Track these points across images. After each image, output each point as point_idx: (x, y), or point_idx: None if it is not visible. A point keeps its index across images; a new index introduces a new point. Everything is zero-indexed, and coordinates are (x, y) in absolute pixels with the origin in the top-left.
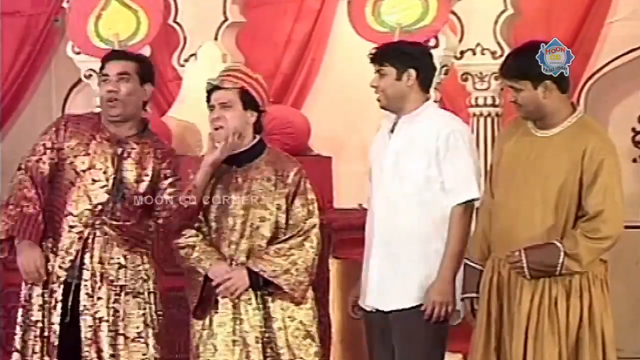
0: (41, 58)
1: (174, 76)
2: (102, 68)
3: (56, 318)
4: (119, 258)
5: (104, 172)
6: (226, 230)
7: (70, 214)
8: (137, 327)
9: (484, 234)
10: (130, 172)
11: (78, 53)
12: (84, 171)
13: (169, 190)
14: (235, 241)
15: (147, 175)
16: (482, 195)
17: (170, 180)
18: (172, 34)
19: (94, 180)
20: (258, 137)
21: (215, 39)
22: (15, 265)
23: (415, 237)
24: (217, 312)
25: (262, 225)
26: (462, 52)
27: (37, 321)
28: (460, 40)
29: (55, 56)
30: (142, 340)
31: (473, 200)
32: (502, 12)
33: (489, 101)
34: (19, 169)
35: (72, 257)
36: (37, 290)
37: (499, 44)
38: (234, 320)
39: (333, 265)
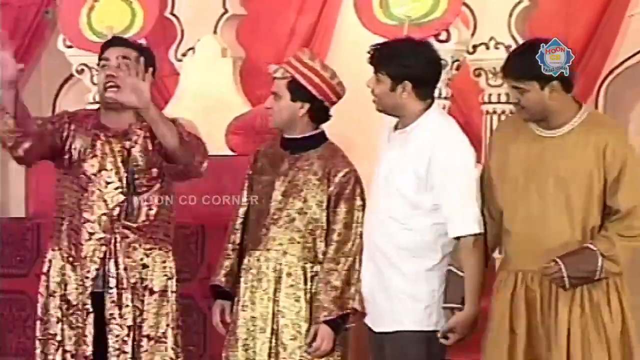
0: (30, 52)
1: (171, 71)
2: (101, 54)
3: (90, 329)
4: (142, 259)
5: (116, 173)
6: (263, 212)
7: (88, 220)
8: (161, 327)
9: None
10: (140, 162)
11: (70, 47)
12: (95, 175)
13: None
14: (267, 226)
15: (155, 157)
16: (484, 198)
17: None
18: (169, 27)
19: (107, 183)
20: (320, 129)
21: (215, 32)
22: (8, 271)
23: (403, 258)
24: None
25: (298, 218)
26: (474, 47)
27: (55, 334)
28: (473, 34)
29: (46, 50)
30: (165, 340)
31: (476, 234)
32: (518, 3)
33: (503, 98)
34: None
35: (97, 266)
36: (55, 301)
37: (513, 37)
38: (251, 307)
39: None
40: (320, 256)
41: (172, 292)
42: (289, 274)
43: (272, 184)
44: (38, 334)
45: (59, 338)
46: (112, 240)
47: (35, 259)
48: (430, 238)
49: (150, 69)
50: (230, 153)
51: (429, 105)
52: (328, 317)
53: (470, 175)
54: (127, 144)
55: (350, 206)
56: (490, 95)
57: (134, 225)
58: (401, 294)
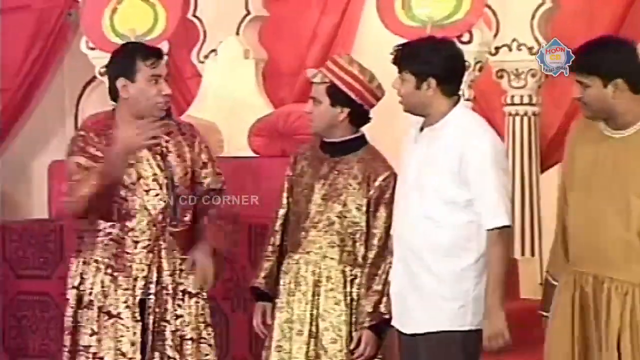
0: (53, 55)
1: (193, 73)
2: (140, 62)
3: (138, 338)
4: (180, 263)
5: (154, 180)
6: (302, 215)
7: (132, 229)
8: (199, 329)
9: (564, 246)
10: (178, 169)
11: (92, 49)
12: (133, 183)
13: (210, 178)
14: (307, 229)
15: (189, 167)
16: (558, 205)
17: (209, 168)
18: (192, 29)
19: (146, 191)
20: (360, 132)
21: (237, 33)
22: (32, 273)
23: (437, 258)
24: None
25: (337, 222)
26: (497, 48)
27: (88, 346)
28: (496, 35)
29: (69, 52)
30: (204, 341)
31: (504, 227)
32: (540, 5)
33: (526, 100)
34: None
35: (145, 274)
36: (91, 314)
37: (536, 39)
38: (288, 310)
39: None
40: (359, 260)
41: (204, 292)
42: (328, 278)
43: (312, 187)
44: (67, 345)
45: (93, 350)
46: (156, 248)
47: (59, 261)
48: (464, 236)
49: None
50: (253, 155)
51: (456, 103)
52: (371, 322)
53: (502, 168)
54: (158, 149)
55: (391, 210)
56: (512, 97)
57: (176, 230)
58: (435, 295)
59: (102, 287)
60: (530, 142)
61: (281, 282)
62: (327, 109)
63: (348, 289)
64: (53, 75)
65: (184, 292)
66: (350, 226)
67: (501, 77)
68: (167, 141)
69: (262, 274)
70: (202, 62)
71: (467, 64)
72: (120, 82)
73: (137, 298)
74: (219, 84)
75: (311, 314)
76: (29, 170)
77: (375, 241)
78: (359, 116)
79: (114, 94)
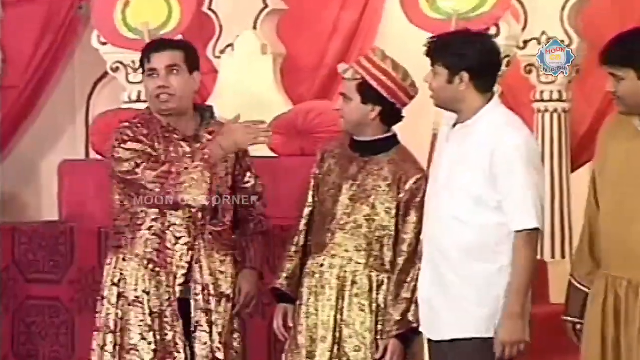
0: (63, 50)
1: (209, 69)
2: (145, 60)
3: (180, 337)
4: (220, 265)
5: (194, 179)
6: (328, 216)
7: (174, 224)
8: (233, 334)
9: (590, 248)
10: (218, 168)
11: (104, 44)
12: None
13: (253, 182)
14: (333, 230)
15: (229, 168)
16: (587, 205)
17: (252, 171)
18: (207, 23)
19: (188, 187)
20: (392, 132)
21: (254, 28)
22: (36, 276)
23: (466, 261)
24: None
25: (365, 225)
26: (525, 42)
27: (135, 345)
28: (524, 29)
29: (79, 47)
30: (234, 345)
31: (532, 230)
32: None
33: (555, 95)
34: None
35: (184, 271)
36: (136, 310)
37: (566, 32)
38: (314, 314)
39: None
40: (387, 265)
41: (233, 296)
42: (353, 282)
43: (340, 187)
44: (106, 343)
45: (143, 347)
46: (197, 246)
47: (69, 264)
48: (495, 239)
49: (196, 72)
50: (271, 154)
51: (489, 99)
52: (399, 331)
53: (534, 168)
54: (201, 146)
55: (422, 215)
56: (542, 92)
57: (217, 229)
58: (462, 298)
59: (145, 283)
60: (560, 140)
61: (305, 284)
62: (358, 106)
63: (374, 295)
64: (63, 71)
65: (222, 294)
66: (378, 230)
67: (530, 72)
68: (208, 140)
69: (285, 275)
70: (218, 58)
71: (502, 59)
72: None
73: (177, 295)
74: (235, 81)
75: (335, 320)
76: (38, 170)
77: (404, 247)
78: (391, 115)
79: None
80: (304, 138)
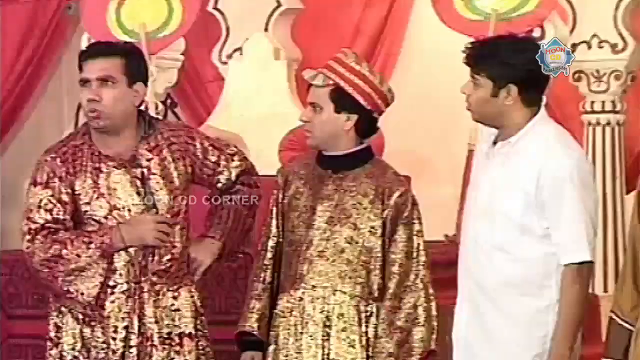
0: (50, 54)
1: (215, 76)
2: (80, 68)
3: None
4: (172, 305)
5: (130, 210)
6: (303, 243)
7: (114, 270)
8: None
9: (635, 279)
10: (161, 194)
11: None
12: (105, 218)
13: (225, 174)
14: (310, 259)
15: (177, 188)
16: (630, 229)
17: (222, 163)
18: (212, 24)
19: None
20: (365, 143)
21: (266, 29)
22: (19, 312)
23: (509, 297)
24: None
25: (348, 248)
26: (574, 45)
27: None
28: (572, 31)
29: (67, 51)
30: None
31: (583, 263)
32: None
33: (608, 106)
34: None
35: (125, 323)
36: None
37: (620, 35)
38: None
39: None
40: (375, 293)
41: (204, 331)
42: (340, 315)
43: (313, 210)
44: None
45: None
46: (138, 291)
47: None
48: (541, 271)
49: (139, 84)
50: None
51: (535, 113)
52: None
53: (586, 193)
54: (138, 171)
55: (410, 232)
56: (592, 103)
57: (162, 267)
58: (506, 341)
59: (83, 339)
60: (613, 157)
61: (281, 325)
62: (331, 116)
63: (363, 328)
64: (49, 78)
65: (181, 335)
66: (363, 253)
67: (579, 79)
68: (148, 160)
69: (254, 316)
70: (225, 63)
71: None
72: None
73: (119, 353)
74: (244, 89)
75: (322, 359)
76: (21, 192)
77: (395, 268)
78: (367, 125)
79: None
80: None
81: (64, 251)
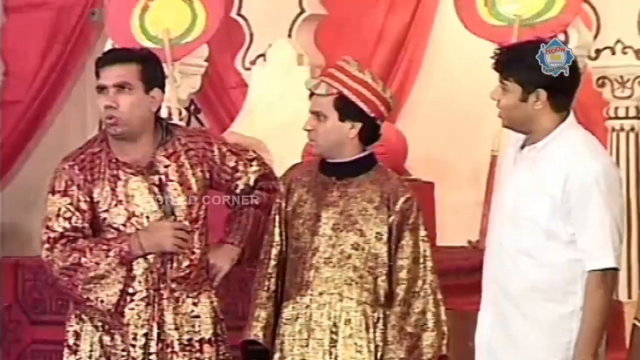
0: (73, 60)
1: (238, 82)
2: (97, 75)
3: None
4: (192, 310)
5: (148, 217)
6: (308, 251)
7: (133, 277)
8: None
9: None
10: (179, 200)
11: None
12: (124, 225)
13: (243, 179)
14: (317, 266)
15: (194, 194)
16: None
17: (240, 169)
18: (236, 30)
19: None
20: (368, 150)
21: (289, 35)
22: (43, 317)
23: (534, 302)
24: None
25: (354, 255)
26: (597, 51)
27: None
28: (596, 36)
29: (91, 57)
30: None
31: (607, 270)
32: None
33: (632, 112)
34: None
35: (145, 330)
36: None
37: None
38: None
39: None
40: (382, 298)
41: (224, 337)
42: (347, 321)
43: (318, 217)
44: None
45: None
46: (157, 298)
47: None
48: (566, 277)
49: (156, 90)
50: None
51: (564, 119)
52: None
53: (613, 199)
54: (156, 178)
55: (416, 237)
56: (616, 109)
57: (181, 274)
58: (530, 346)
59: (102, 348)
60: (637, 163)
61: (286, 332)
62: (335, 125)
63: (371, 334)
64: (73, 84)
65: (201, 341)
66: (369, 259)
67: (603, 85)
68: (166, 166)
69: (260, 325)
70: (249, 69)
71: (581, 72)
72: None
73: (139, 359)
74: (268, 95)
75: None
76: (44, 198)
77: (403, 274)
78: (371, 132)
79: None
80: None
81: (83, 259)
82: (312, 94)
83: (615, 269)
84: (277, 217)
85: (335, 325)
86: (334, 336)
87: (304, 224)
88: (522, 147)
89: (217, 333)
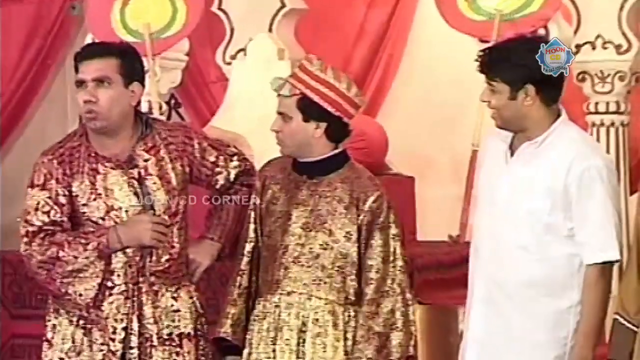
0: (54, 54)
1: (219, 77)
2: (76, 69)
3: None
4: (172, 305)
5: (127, 211)
6: (279, 249)
7: (112, 271)
8: None
9: None
10: (159, 194)
11: None
12: (103, 219)
13: (224, 174)
14: (286, 265)
15: (174, 189)
16: (635, 228)
17: (220, 164)
18: (216, 25)
19: None
20: (340, 147)
21: (270, 30)
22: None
23: (531, 297)
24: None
25: (323, 254)
26: (578, 46)
27: None
28: (576, 31)
29: (71, 52)
30: None
31: (606, 263)
32: None
33: (612, 107)
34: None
35: (123, 324)
36: None
37: (624, 35)
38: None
39: (416, 312)
40: (352, 297)
41: (202, 327)
42: (315, 321)
43: (289, 216)
44: None
45: None
46: (136, 292)
47: None
48: (565, 272)
49: (135, 84)
50: None
51: (557, 114)
52: None
53: (614, 193)
54: (135, 172)
55: (386, 236)
56: (596, 104)
57: (160, 268)
58: (528, 341)
59: (74, 342)
60: (617, 158)
61: (255, 329)
62: (300, 125)
63: (340, 334)
64: (53, 79)
65: (181, 335)
66: (338, 259)
67: (583, 80)
68: (145, 160)
69: (229, 322)
70: (229, 64)
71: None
72: None
73: (118, 354)
74: (248, 90)
75: None
76: (24, 192)
77: (372, 274)
78: (338, 130)
79: None
80: None
81: (61, 253)
82: (279, 95)
83: (617, 262)
84: (252, 214)
85: (304, 324)
86: (302, 335)
87: (276, 221)
88: (511, 144)
89: (197, 328)
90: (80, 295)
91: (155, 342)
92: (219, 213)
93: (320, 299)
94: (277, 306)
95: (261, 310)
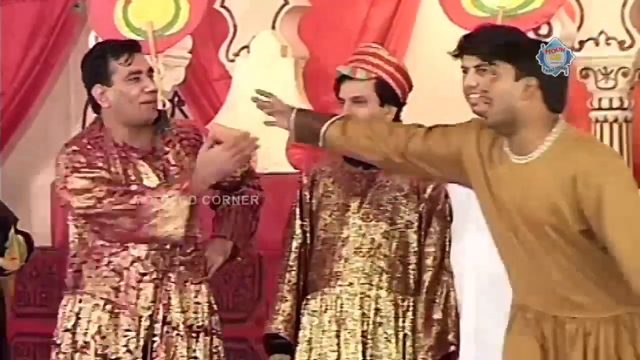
0: (57, 52)
1: (222, 74)
2: (122, 61)
3: None
4: (195, 297)
5: (176, 205)
6: (337, 242)
7: (138, 258)
8: None
9: None
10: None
11: None
12: None
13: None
14: (346, 257)
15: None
16: None
17: None
18: (219, 22)
19: None
20: None
21: (273, 27)
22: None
23: None
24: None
25: (385, 244)
26: (581, 42)
27: None
28: (580, 28)
29: (74, 50)
30: None
31: None
32: None
33: (616, 103)
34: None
35: (150, 312)
36: (87, 357)
37: (628, 31)
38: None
39: None
40: (412, 286)
41: (217, 329)
42: (377, 310)
43: (347, 208)
44: None
45: None
46: (165, 280)
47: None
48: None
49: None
50: (292, 170)
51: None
52: (434, 358)
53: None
54: (159, 164)
55: (444, 225)
56: (600, 100)
57: (187, 258)
58: None
59: (100, 327)
60: (620, 154)
61: (314, 324)
62: (375, 109)
63: (400, 323)
64: (56, 77)
65: (200, 328)
66: (399, 248)
67: (586, 76)
68: (165, 153)
69: (280, 318)
70: (232, 61)
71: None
72: (96, 90)
73: (142, 341)
74: (251, 87)
75: (363, 356)
76: (27, 191)
77: (429, 261)
78: (399, 117)
79: (94, 106)
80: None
81: (143, 198)
82: (337, 82)
83: None
84: (297, 210)
85: (365, 314)
86: (365, 327)
87: (332, 214)
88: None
89: (212, 324)
90: (169, 235)
91: (182, 332)
92: (228, 213)
93: (381, 288)
94: (338, 298)
95: (320, 304)
